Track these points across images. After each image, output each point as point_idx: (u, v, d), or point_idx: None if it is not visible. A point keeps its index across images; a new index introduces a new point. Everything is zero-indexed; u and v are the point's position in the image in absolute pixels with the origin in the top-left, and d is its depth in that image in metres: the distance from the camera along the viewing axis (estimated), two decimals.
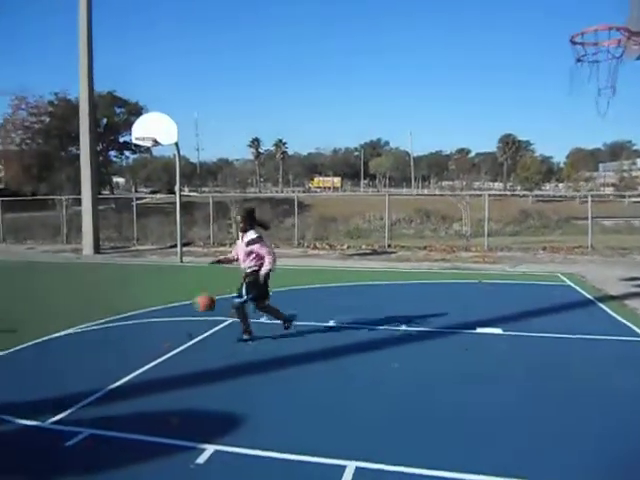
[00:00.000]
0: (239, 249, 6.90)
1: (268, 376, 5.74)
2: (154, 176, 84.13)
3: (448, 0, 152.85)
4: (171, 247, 18.11)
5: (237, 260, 7.02)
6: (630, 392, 5.22)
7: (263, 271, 6.72)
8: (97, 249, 17.93)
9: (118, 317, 8.32)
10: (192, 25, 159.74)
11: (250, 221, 6.83)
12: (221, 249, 18.13)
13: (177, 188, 15.47)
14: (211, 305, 6.83)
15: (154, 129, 14.31)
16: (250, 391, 5.31)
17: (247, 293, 6.74)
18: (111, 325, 7.97)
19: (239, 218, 7.08)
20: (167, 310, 8.79)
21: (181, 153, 15.40)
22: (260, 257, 6.71)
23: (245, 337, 6.95)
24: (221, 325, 7.78)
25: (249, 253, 6.74)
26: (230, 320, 7.97)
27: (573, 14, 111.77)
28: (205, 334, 7.33)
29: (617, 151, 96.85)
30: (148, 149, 50.01)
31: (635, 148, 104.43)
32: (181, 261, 14.99)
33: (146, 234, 21.14)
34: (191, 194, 55.81)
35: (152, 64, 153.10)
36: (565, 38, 5.85)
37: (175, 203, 15.59)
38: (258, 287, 6.73)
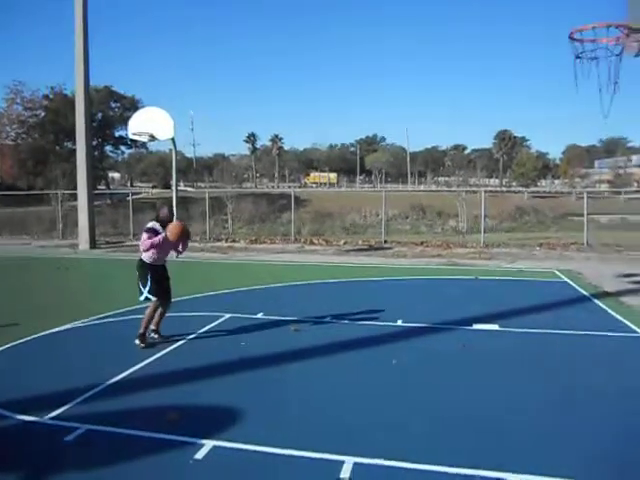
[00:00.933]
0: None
1: (264, 372, 5.73)
2: (150, 171, 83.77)
3: None
4: None
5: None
6: (626, 388, 5.25)
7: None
8: (93, 244, 17.88)
9: (116, 312, 8.32)
10: (187, 18, 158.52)
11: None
12: (217, 244, 18.15)
13: (174, 183, 15.43)
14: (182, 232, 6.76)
15: (151, 124, 14.25)
16: (247, 387, 5.31)
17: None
18: (109, 320, 7.97)
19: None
20: None
21: (177, 149, 15.35)
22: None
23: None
24: (219, 320, 7.78)
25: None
26: (228, 315, 8.00)
27: (571, 9, 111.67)
28: (203, 329, 7.33)
29: (612, 147, 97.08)
30: (144, 144, 49.90)
31: (630, 145, 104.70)
32: (176, 256, 14.94)
33: (141, 230, 21.07)
34: (187, 189, 55.73)
35: (148, 57, 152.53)
36: (563, 34, 5.87)
37: (171, 198, 15.55)
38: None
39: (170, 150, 15.45)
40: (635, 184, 69.85)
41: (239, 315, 8.10)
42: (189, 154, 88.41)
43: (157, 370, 5.77)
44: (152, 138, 14.48)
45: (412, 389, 5.25)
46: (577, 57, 5.55)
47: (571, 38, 5.52)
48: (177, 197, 15.40)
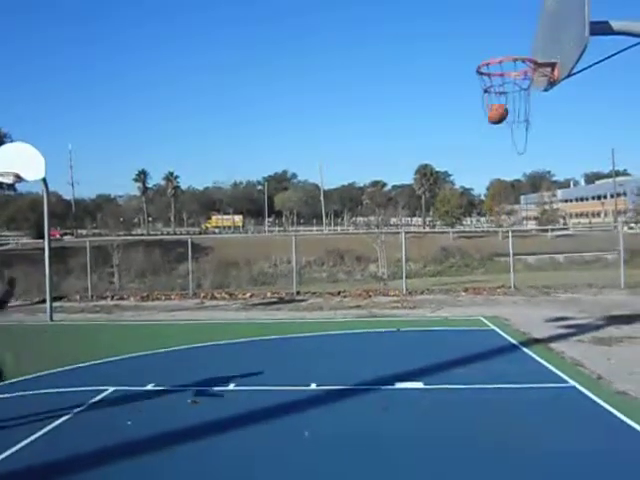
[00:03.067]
0: None
1: (155, 458, 5.49)
2: (19, 217, 79.86)
3: (359, 34, 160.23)
4: (40, 303, 17.15)
5: None
6: (563, 446, 5.48)
7: None
8: None
9: None
10: (62, 40, 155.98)
11: None
12: (101, 302, 17.44)
13: (46, 231, 14.81)
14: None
15: (16, 162, 13.69)
16: (142, 474, 5.06)
17: None
18: None
19: None
20: (26, 383, 8.19)
21: (53, 188, 14.82)
22: None
23: None
24: (101, 395, 7.41)
25: None
26: (111, 389, 7.65)
27: (485, 45, 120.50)
28: (80, 407, 6.93)
29: (537, 182, 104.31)
30: (10, 185, 47.71)
31: (555, 179, 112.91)
32: (51, 319, 14.23)
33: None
34: (64, 238, 53.60)
35: (18, 88, 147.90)
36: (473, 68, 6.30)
37: (44, 249, 14.90)
38: None
39: (42, 192, 14.88)
40: (561, 220, 75.03)
41: (126, 388, 7.77)
42: (68, 195, 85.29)
43: (20, 464, 5.36)
44: (18, 179, 13.88)
45: (325, 465, 5.21)
46: (485, 91, 5.98)
47: (478, 72, 5.96)
48: (51, 248, 14.77)
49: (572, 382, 7.59)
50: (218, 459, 5.42)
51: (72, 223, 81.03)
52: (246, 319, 13.77)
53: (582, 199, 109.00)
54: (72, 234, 73.04)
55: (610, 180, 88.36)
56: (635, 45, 5.43)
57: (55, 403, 7.12)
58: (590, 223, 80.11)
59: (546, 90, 5.96)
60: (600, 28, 5.18)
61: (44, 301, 15.28)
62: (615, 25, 5.28)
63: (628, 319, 11.98)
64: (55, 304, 15.15)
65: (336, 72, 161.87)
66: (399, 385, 7.62)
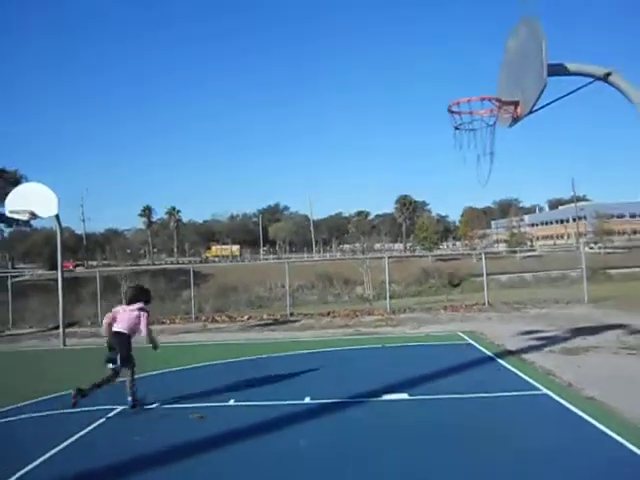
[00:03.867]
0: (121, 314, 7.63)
1: (164, 471, 5.39)
2: (34, 251, 79.30)
3: (339, 62, 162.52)
4: (53, 329, 16.93)
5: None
6: (538, 448, 5.45)
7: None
8: None
9: None
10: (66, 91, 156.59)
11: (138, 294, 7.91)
12: None
13: (59, 263, 14.70)
14: None
15: (31, 201, 13.63)
16: None
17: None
18: None
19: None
20: (43, 403, 8.05)
21: (66, 224, 14.75)
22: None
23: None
24: (110, 414, 7.28)
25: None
26: (119, 408, 7.52)
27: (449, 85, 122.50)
28: (91, 426, 6.81)
29: (506, 208, 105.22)
30: (26, 222, 47.50)
31: (521, 205, 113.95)
32: (64, 344, 14.02)
33: (24, 316, 19.66)
34: (77, 269, 53.23)
35: (33, 131, 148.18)
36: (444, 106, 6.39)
37: (57, 280, 14.76)
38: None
39: (55, 227, 14.80)
40: (529, 242, 75.52)
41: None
42: (79, 230, 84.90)
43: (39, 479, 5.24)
44: (33, 216, 13.82)
45: (323, 471, 5.14)
46: (456, 128, 6.06)
47: (450, 111, 6.04)
48: (64, 278, 14.65)
49: (544, 390, 7.55)
50: (222, 469, 5.33)
51: (83, 255, 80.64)
52: (245, 339, 13.64)
53: (547, 223, 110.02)
54: (83, 265, 72.56)
55: (572, 205, 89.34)
56: (588, 84, 5.54)
57: (69, 422, 7.00)
58: (554, 244, 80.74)
59: (510, 126, 6.05)
60: (557, 69, 5.28)
61: (57, 327, 15.09)
62: (570, 67, 5.39)
63: (593, 330, 12.00)
64: (68, 330, 14.94)
65: (323, 115, 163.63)
66: (386, 397, 7.55)
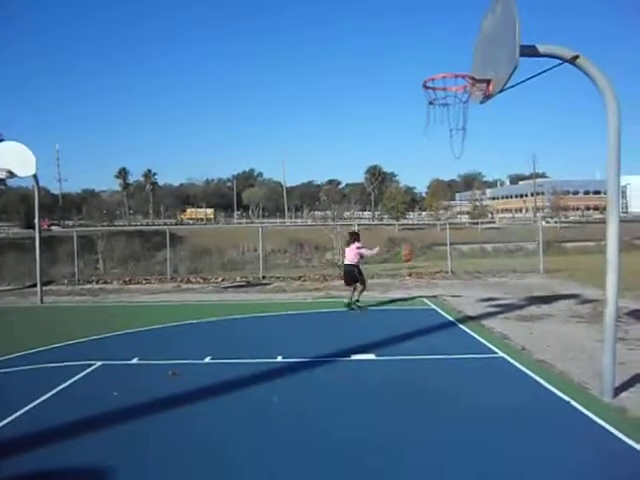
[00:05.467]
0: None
1: (139, 424, 5.44)
2: (11, 209, 77.14)
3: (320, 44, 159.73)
4: (31, 287, 16.66)
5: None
6: (491, 406, 5.66)
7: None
8: None
9: None
10: (46, 47, 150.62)
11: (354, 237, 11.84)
12: (87, 286, 17.04)
13: (37, 222, 14.39)
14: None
15: (9, 160, 13.22)
16: (120, 442, 4.99)
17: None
18: None
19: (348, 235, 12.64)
20: (21, 358, 7.97)
21: (41, 184, 14.38)
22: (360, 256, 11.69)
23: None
24: (89, 369, 7.27)
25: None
26: (99, 363, 7.51)
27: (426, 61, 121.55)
28: (71, 380, 6.79)
29: (470, 182, 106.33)
30: (2, 180, 46.03)
31: (485, 179, 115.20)
32: (41, 302, 13.84)
33: (1, 273, 19.28)
34: (52, 228, 52.12)
35: (7, 89, 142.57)
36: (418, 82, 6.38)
37: (34, 238, 14.47)
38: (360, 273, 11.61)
39: (33, 187, 14.42)
40: (490, 215, 76.61)
41: (111, 362, 7.65)
42: (55, 190, 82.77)
43: (16, 431, 5.23)
44: (10, 175, 13.42)
45: (295, 425, 5.26)
46: (430, 103, 6.07)
47: (425, 86, 6.03)
48: (41, 237, 14.36)
49: (500, 353, 7.80)
50: (196, 423, 5.40)
51: (59, 215, 78.83)
52: (218, 300, 13.66)
53: (507, 197, 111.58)
54: (59, 225, 71.02)
55: (531, 181, 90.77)
56: (557, 66, 5.59)
57: (49, 376, 6.98)
58: (513, 218, 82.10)
59: (482, 103, 6.08)
60: (529, 51, 5.30)
61: (34, 285, 14.86)
62: (541, 49, 5.40)
63: (546, 299, 12.36)
64: (45, 288, 14.73)
65: (299, 83, 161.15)
66: (354, 357, 7.70)
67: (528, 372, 6.83)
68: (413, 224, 50.99)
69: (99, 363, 7.53)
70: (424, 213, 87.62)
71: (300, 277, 17.75)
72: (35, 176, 13.63)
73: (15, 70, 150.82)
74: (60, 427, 5.30)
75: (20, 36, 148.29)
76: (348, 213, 67.16)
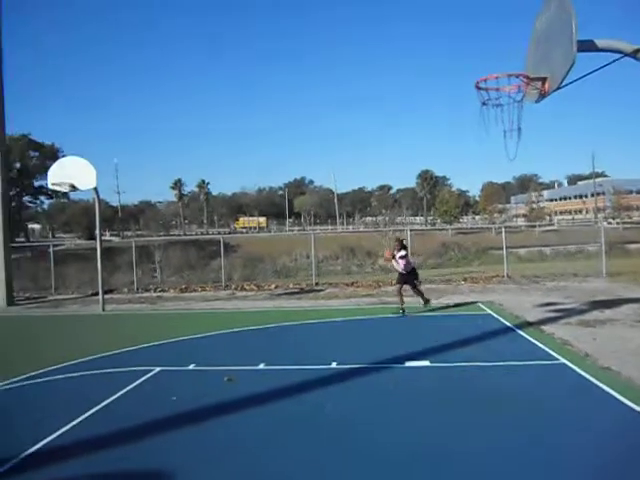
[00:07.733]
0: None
1: (198, 428, 5.53)
2: (73, 221, 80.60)
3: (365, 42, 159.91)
4: (93, 295, 17.34)
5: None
6: (555, 415, 5.45)
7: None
8: (11, 301, 16.87)
9: (31, 375, 7.74)
10: (107, 65, 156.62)
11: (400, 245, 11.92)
12: (145, 295, 17.56)
13: (98, 233, 14.96)
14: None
15: (71, 174, 13.82)
16: (180, 446, 5.09)
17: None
18: (24, 384, 7.41)
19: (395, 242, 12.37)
20: (85, 364, 8.29)
21: (101, 197, 14.95)
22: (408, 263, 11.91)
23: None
24: (148, 375, 7.47)
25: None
26: (157, 369, 7.70)
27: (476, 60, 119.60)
28: (131, 385, 7.00)
29: (525, 184, 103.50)
30: (65, 193, 48.24)
31: (541, 181, 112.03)
32: (103, 310, 14.36)
33: (65, 283, 20.15)
34: (112, 239, 54.03)
35: (67, 103, 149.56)
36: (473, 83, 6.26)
37: (96, 249, 15.04)
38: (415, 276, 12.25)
39: (93, 199, 15.02)
40: (547, 217, 74.37)
41: (169, 368, 7.83)
42: (114, 202, 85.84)
43: (82, 434, 5.42)
44: (73, 188, 14.03)
45: (351, 432, 5.22)
46: (483, 104, 5.94)
47: (477, 87, 5.92)
48: (102, 248, 14.92)
49: (562, 359, 7.52)
50: (250, 429, 5.44)
51: (118, 226, 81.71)
52: (273, 307, 13.79)
53: (565, 198, 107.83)
54: (119, 235, 73.64)
55: (590, 181, 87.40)
56: (617, 60, 5.37)
57: (110, 381, 7.21)
58: (573, 219, 79.30)
59: (537, 102, 5.91)
60: (586, 46, 5.12)
61: (97, 294, 15.44)
62: (600, 43, 5.22)
63: (610, 304, 11.84)
64: (106, 296, 15.28)
65: (349, 90, 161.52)
66: (408, 364, 7.60)
67: (592, 379, 6.54)
68: (467, 228, 50.06)
69: (158, 369, 7.73)
70: (478, 217, 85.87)
71: (353, 283, 17.70)
72: (96, 189, 14.17)
73: (75, 84, 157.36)
74: (122, 429, 5.46)
75: (76, 49, 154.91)
76: (400, 218, 66.55)
